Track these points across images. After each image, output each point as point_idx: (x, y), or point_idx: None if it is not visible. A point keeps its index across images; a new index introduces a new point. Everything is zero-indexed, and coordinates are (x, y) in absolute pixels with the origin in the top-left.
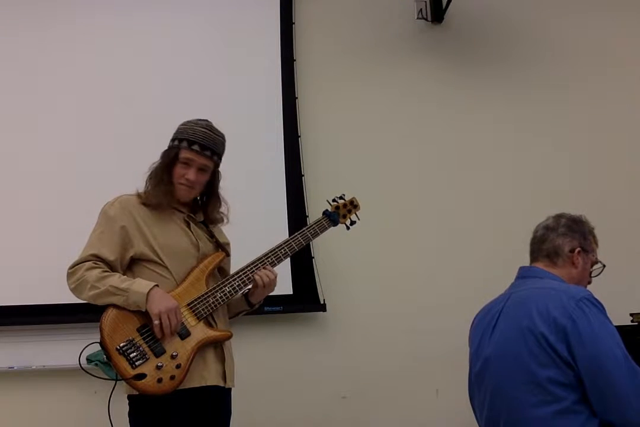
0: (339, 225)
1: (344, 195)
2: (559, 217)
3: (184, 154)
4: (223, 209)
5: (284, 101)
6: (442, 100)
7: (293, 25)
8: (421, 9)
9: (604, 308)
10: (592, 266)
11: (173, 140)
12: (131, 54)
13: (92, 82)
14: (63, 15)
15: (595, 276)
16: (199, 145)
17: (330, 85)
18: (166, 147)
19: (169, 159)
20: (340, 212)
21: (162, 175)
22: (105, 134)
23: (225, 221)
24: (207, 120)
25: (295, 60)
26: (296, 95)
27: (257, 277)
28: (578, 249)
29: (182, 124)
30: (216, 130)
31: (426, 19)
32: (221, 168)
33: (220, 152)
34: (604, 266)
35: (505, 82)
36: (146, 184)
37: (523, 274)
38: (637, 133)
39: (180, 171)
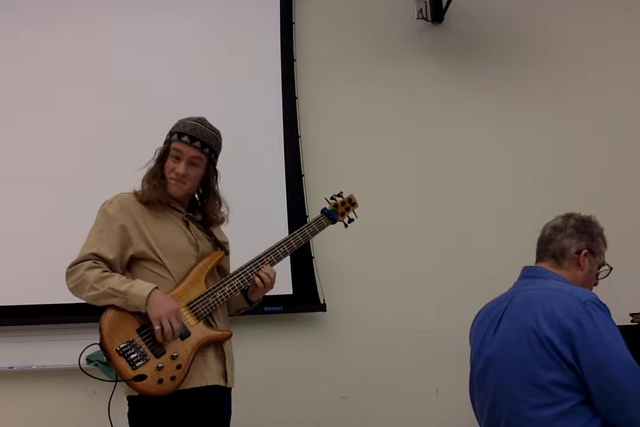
0: (337, 223)
1: (341, 192)
2: (568, 217)
3: (174, 146)
4: (223, 209)
5: (284, 101)
6: (442, 100)
7: (293, 25)
8: (421, 9)
9: (608, 310)
10: (599, 268)
11: (166, 136)
12: (131, 54)
13: (92, 82)
14: (63, 16)
15: (602, 278)
16: (188, 136)
17: (330, 85)
18: None
19: (161, 153)
20: (339, 210)
21: (155, 171)
22: (105, 134)
23: (225, 221)
24: (201, 117)
25: (295, 60)
26: (296, 95)
27: (257, 279)
28: (585, 251)
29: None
30: (208, 124)
31: (426, 19)
32: (221, 168)
33: (212, 145)
34: (611, 268)
35: (505, 82)
36: (142, 181)
37: (527, 273)
38: (637, 133)
39: (171, 165)
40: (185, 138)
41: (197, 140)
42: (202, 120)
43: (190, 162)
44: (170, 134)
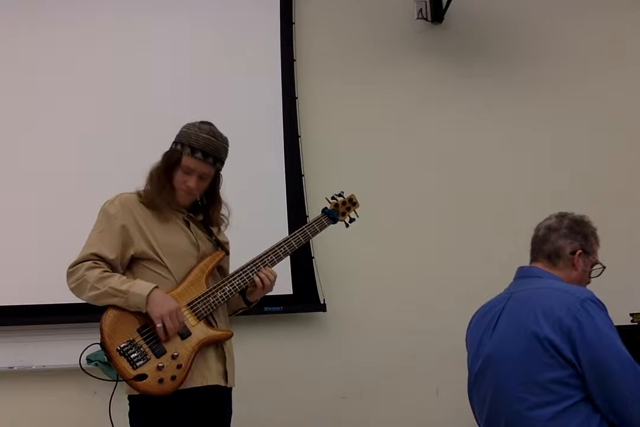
0: (338, 222)
1: (342, 192)
2: (562, 217)
3: (186, 162)
4: (224, 211)
5: (284, 101)
6: (442, 100)
7: (293, 25)
8: (421, 9)
9: (605, 308)
10: (591, 267)
11: (176, 143)
12: (131, 55)
13: (92, 82)
14: (63, 16)
15: (595, 277)
16: (202, 153)
17: (330, 85)
18: (168, 148)
19: (171, 162)
20: (340, 210)
21: (163, 179)
22: (105, 134)
23: (226, 222)
24: (210, 124)
25: (295, 60)
26: (296, 95)
27: (257, 279)
28: (579, 251)
29: (185, 127)
30: (219, 136)
31: (426, 19)
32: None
33: (222, 158)
34: (604, 267)
35: (505, 82)
36: (146, 183)
37: (523, 274)
38: (637, 133)
39: (181, 178)
40: (199, 155)
41: (211, 157)
42: (213, 133)
43: (201, 176)
44: (182, 144)
